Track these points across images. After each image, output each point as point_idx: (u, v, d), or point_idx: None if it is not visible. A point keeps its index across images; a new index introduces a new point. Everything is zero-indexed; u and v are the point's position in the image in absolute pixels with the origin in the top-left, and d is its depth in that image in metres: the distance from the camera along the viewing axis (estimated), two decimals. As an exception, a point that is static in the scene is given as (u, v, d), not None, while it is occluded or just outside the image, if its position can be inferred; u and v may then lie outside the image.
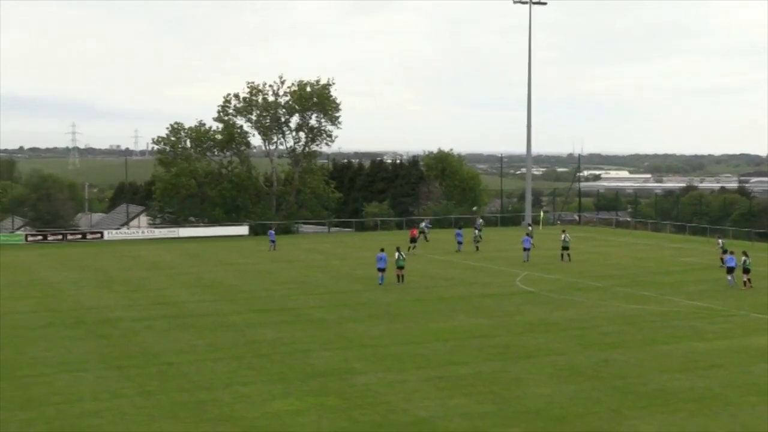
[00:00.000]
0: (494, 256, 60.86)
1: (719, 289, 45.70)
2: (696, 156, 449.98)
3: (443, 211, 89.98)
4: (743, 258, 46.64)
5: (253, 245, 68.76)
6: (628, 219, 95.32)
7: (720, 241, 56.90)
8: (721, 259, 52.65)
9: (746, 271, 46.17)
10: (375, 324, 36.21)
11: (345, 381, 26.83)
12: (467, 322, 36.72)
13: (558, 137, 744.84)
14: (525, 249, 57.76)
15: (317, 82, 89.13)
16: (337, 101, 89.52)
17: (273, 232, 68.81)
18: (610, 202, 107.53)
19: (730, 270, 47.02)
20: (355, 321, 36.90)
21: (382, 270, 46.98)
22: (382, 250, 48.05)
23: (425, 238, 70.41)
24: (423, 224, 74.92)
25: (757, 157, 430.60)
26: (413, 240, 62.17)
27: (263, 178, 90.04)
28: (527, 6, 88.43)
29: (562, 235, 58.51)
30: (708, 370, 28.28)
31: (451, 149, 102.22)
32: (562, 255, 57.34)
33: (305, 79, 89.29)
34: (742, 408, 24.03)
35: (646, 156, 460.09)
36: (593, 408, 23.94)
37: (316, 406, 24.09)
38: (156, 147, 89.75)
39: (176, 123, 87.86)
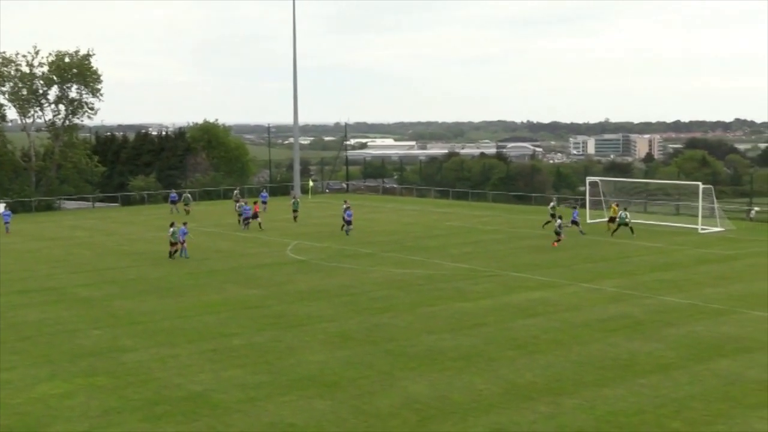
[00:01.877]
0: (265, 226, 60.79)
1: (481, 251, 47.80)
2: (457, 123, 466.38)
3: (211, 183, 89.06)
4: (558, 221, 50.03)
5: (11, 224, 65.37)
6: (395, 186, 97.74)
7: (552, 204, 59.39)
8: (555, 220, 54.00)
9: (557, 233, 49.46)
10: (144, 300, 35.46)
11: (115, 359, 26.16)
12: (239, 293, 36.63)
13: (325, 106, 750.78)
14: (346, 221, 55.68)
15: (76, 52, 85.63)
16: (99, 72, 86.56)
17: (9, 213, 63.60)
18: (377, 169, 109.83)
19: (575, 223, 54.00)
20: (124, 298, 35.97)
21: (181, 243, 46.44)
22: (176, 224, 47.17)
23: (186, 211, 69.13)
24: (173, 197, 73.54)
25: (513, 123, 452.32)
26: (255, 216, 60.06)
27: (20, 154, 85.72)
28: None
29: (344, 205, 58.45)
30: (472, 329, 29.58)
31: (217, 120, 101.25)
32: (343, 226, 57.23)
33: (63, 49, 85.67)
34: (503, 362, 25.34)
35: (410, 124, 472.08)
36: (365, 372, 24.53)
37: (84, 387, 23.36)
38: None
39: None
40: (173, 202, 72.62)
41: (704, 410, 20.95)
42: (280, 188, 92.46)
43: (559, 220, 50.15)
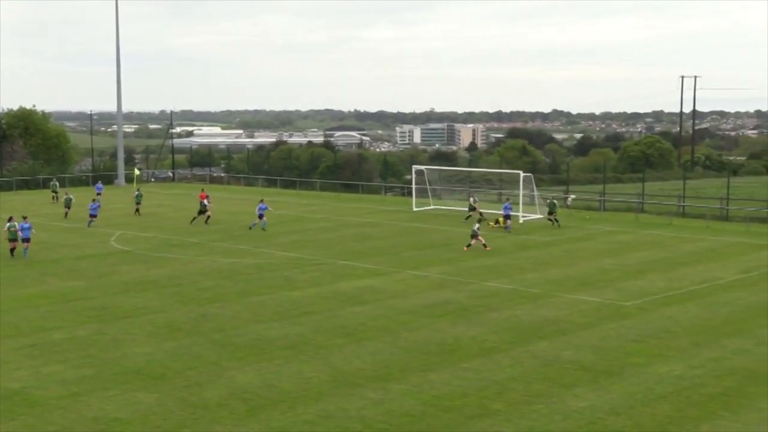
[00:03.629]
0: (87, 216, 58.92)
1: (309, 240, 47.94)
2: (284, 111, 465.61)
3: (30, 172, 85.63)
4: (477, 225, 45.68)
5: None
6: (222, 174, 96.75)
7: (472, 198, 58.81)
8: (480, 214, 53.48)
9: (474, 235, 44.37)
10: (-42, 294, 33.79)
11: (-75, 358, 24.85)
12: (61, 285, 35.43)
13: (150, 94, 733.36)
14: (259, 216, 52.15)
15: None
16: None
17: None
18: (204, 158, 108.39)
19: (507, 217, 51.58)
20: (-65, 293, 34.17)
21: (23, 240, 42.33)
22: (14, 218, 42.98)
23: None
24: None
25: (341, 112, 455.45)
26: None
27: None
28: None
29: (202, 196, 56.46)
30: (300, 317, 29.67)
31: (34, 106, 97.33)
32: (204, 219, 54.78)
33: None
34: (332, 350, 25.54)
35: (238, 112, 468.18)
36: (193, 363, 24.23)
37: None
38: None
39: None
40: None
41: (524, 391, 21.76)
42: (104, 177, 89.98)
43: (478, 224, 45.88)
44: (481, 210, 55.18)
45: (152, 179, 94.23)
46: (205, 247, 45.36)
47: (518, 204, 57.35)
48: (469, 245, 44.10)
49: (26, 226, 42.61)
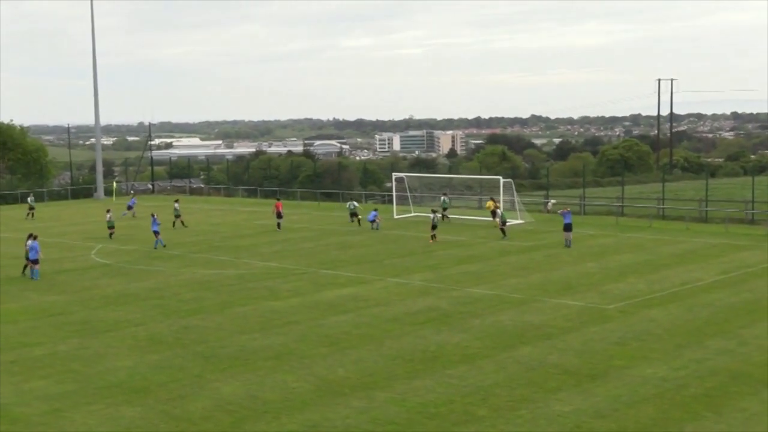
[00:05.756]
0: (67, 230, 58.73)
1: (291, 249, 47.84)
2: (263, 121, 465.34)
3: (8, 187, 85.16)
4: (432, 215, 50.23)
5: None
6: (202, 185, 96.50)
7: (444, 198, 60.05)
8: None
9: (434, 227, 49.76)
10: (-63, 311, 33.47)
11: None
12: (40, 300, 35.18)
13: (128, 106, 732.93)
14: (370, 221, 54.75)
15: None
16: None
17: None
18: (183, 169, 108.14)
19: (568, 227, 46.85)
20: None
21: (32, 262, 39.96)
22: (35, 237, 40.93)
23: None
24: None
25: (320, 121, 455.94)
26: (279, 215, 56.97)
27: None
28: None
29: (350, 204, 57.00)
30: (283, 327, 29.58)
31: (12, 120, 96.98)
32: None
33: None
34: (315, 359, 25.46)
35: (216, 123, 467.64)
36: (176, 375, 24.10)
37: None
38: None
39: None
40: None
41: (508, 396, 21.75)
42: (83, 191, 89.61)
43: (434, 215, 50.08)
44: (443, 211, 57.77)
45: (131, 191, 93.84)
46: (186, 259, 45.18)
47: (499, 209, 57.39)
48: (433, 236, 49.29)
49: (37, 247, 40.26)
